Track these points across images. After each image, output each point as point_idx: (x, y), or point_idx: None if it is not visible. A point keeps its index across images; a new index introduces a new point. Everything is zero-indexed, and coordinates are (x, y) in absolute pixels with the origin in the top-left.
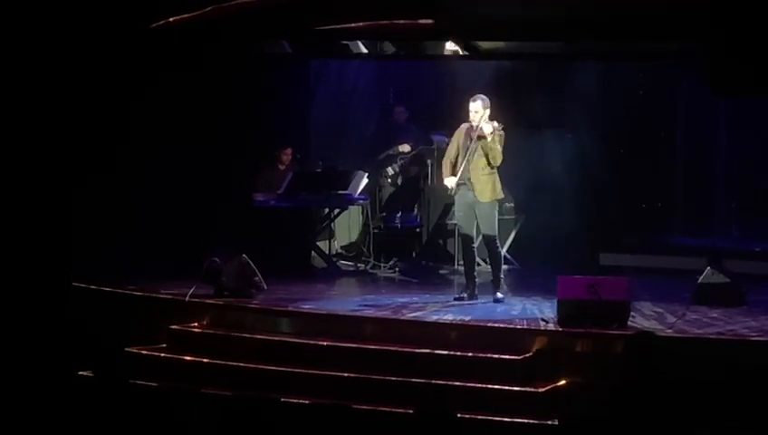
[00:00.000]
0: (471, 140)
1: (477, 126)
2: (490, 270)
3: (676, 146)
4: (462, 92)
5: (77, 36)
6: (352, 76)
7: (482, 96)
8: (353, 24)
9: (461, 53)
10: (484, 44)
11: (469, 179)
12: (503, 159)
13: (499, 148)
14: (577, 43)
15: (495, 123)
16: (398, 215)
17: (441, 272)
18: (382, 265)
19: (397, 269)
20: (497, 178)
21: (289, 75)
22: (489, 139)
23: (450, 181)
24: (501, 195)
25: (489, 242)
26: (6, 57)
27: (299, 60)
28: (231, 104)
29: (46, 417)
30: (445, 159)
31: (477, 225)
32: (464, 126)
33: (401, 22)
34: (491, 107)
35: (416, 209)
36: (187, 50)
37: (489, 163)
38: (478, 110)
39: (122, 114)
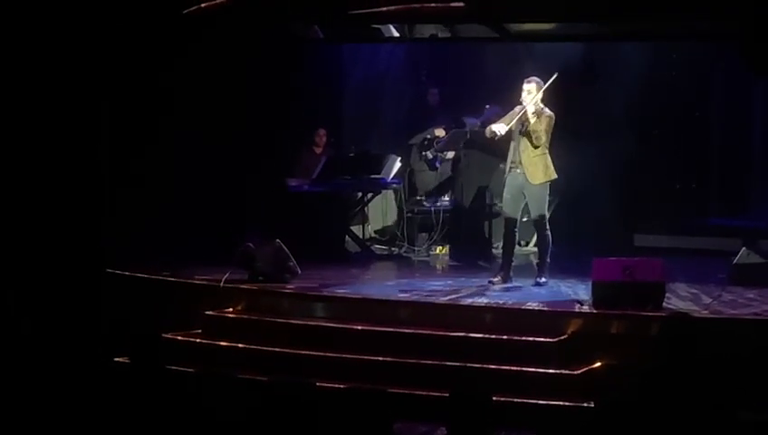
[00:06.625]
0: (521, 122)
1: (524, 107)
2: (526, 253)
3: (710, 126)
4: (494, 75)
5: (116, 18)
6: (384, 60)
7: (537, 79)
8: (384, 8)
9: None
10: (515, 27)
11: (520, 162)
12: (549, 142)
13: (542, 129)
14: (610, 24)
15: (542, 106)
16: (437, 198)
17: (476, 255)
18: (422, 246)
19: (445, 250)
20: (548, 159)
21: (321, 60)
22: (533, 120)
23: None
24: (553, 175)
25: (539, 225)
26: (44, 42)
27: (331, 44)
28: (263, 90)
29: (84, 403)
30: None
31: (525, 208)
32: (518, 108)
33: (432, 5)
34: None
35: (449, 193)
36: (218, 35)
37: (533, 144)
38: (531, 90)
39: (155, 102)
